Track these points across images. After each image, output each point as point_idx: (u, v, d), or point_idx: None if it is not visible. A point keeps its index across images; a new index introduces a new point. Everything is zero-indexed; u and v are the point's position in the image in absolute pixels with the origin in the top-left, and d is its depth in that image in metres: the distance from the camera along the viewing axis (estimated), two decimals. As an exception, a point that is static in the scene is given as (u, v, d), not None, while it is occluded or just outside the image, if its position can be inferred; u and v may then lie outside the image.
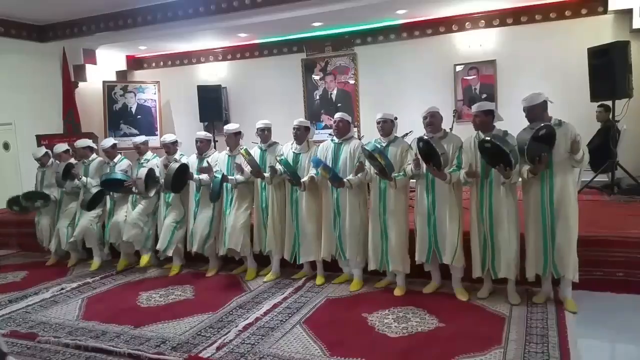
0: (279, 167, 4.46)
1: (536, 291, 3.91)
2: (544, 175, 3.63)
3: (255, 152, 4.76)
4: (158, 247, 5.16)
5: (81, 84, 9.10)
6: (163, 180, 4.96)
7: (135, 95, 9.46)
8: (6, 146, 8.29)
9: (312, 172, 4.41)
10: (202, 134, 5.19)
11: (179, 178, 4.88)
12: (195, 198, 5.05)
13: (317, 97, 9.02)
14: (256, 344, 3.37)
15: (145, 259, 5.24)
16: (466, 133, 4.02)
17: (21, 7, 7.50)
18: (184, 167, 4.90)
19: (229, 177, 4.77)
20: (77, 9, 7.73)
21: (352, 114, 8.39)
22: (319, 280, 4.58)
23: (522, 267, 3.82)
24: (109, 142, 5.64)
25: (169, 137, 5.28)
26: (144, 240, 5.24)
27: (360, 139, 5.70)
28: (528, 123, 3.71)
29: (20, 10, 7.72)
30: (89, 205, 5.32)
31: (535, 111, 3.64)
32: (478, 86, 7.91)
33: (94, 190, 5.27)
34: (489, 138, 3.59)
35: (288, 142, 4.76)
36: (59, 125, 8.62)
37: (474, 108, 3.89)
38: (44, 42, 8.58)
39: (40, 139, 7.88)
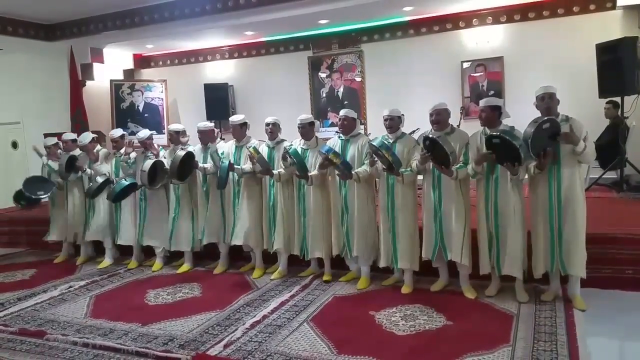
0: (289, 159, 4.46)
1: (544, 289, 3.89)
2: (552, 172, 3.61)
3: (264, 150, 4.76)
4: (169, 246, 5.28)
5: (89, 83, 9.15)
6: (169, 169, 4.96)
7: (142, 93, 9.49)
8: (15, 145, 8.36)
9: (314, 172, 4.36)
10: (202, 124, 5.09)
11: (185, 166, 4.87)
12: (203, 188, 5.06)
13: (324, 95, 9.01)
14: (263, 341, 3.37)
15: (158, 265, 5.34)
16: (473, 130, 4.00)
17: (29, 6, 7.55)
18: (190, 155, 4.89)
19: (236, 166, 4.77)
20: (85, 8, 7.77)
21: (358, 111, 8.37)
22: (326, 278, 4.58)
23: (530, 265, 3.80)
24: (117, 132, 5.64)
25: (173, 126, 5.32)
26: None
27: (367, 136, 5.70)
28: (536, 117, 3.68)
29: (27, 10, 7.77)
30: (94, 194, 5.34)
31: (554, 99, 3.60)
32: (485, 83, 7.86)
33: (100, 179, 5.28)
34: (497, 133, 3.56)
35: (295, 139, 4.76)
36: (66, 123, 8.66)
37: (481, 103, 3.86)
38: (51, 41, 8.64)
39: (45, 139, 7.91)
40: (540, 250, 3.71)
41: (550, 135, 3.46)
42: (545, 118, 3.48)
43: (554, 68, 7.22)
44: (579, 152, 3.49)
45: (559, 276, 3.76)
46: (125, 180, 5.16)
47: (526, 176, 3.73)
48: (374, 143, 4.02)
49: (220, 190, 4.98)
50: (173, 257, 5.47)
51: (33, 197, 5.70)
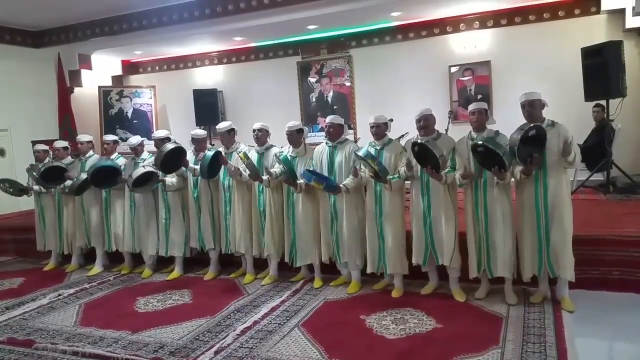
0: (278, 166, 4.46)
1: (533, 291, 3.93)
2: (538, 176, 3.65)
3: (253, 155, 4.77)
4: (160, 252, 5.25)
5: (77, 90, 9.11)
6: (154, 158, 4.89)
7: (131, 100, 9.46)
8: (2, 152, 8.28)
9: (302, 181, 4.37)
10: (199, 132, 5.13)
11: (173, 160, 4.81)
12: (194, 195, 5.05)
13: (313, 100, 9.04)
14: (254, 347, 3.37)
15: (148, 272, 5.31)
16: (462, 134, 4.04)
17: (16, 13, 7.51)
18: (180, 150, 4.84)
19: (230, 162, 4.72)
20: (72, 15, 7.74)
21: (348, 116, 8.43)
22: (317, 283, 4.58)
23: (519, 267, 3.84)
24: (110, 137, 5.65)
25: (158, 133, 5.30)
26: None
27: (356, 141, 5.72)
28: (522, 123, 3.73)
29: (15, 16, 7.72)
30: (78, 191, 5.33)
31: (535, 106, 3.65)
32: (473, 87, 7.94)
33: (83, 176, 5.26)
34: (481, 142, 3.60)
35: (285, 145, 4.76)
36: (54, 130, 8.61)
37: (472, 106, 3.91)
38: (39, 48, 8.59)
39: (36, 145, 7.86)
40: (528, 253, 3.75)
41: (538, 141, 3.50)
42: (532, 125, 3.52)
43: (540, 71, 7.32)
44: (569, 161, 3.54)
45: (548, 278, 3.80)
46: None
47: (513, 180, 3.77)
48: (359, 153, 4.03)
49: (211, 196, 4.99)
50: (162, 264, 5.44)
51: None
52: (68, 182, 5.44)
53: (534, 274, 3.77)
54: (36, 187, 5.74)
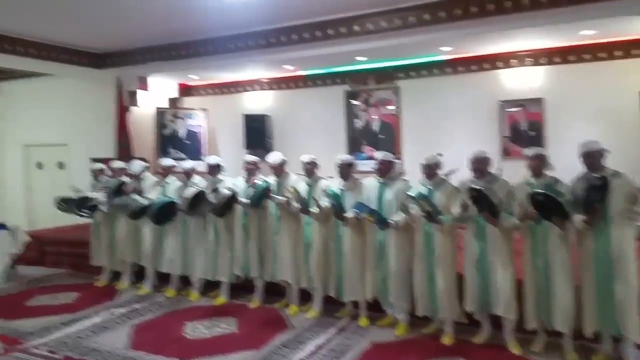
0: (325, 201, 4.49)
1: (595, 348, 3.72)
2: (601, 227, 3.53)
3: (302, 187, 4.82)
4: (207, 276, 5.36)
5: (134, 109, 9.48)
6: (212, 208, 5.13)
7: (184, 121, 9.78)
8: (61, 165, 8.72)
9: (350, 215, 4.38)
10: (252, 157, 5.26)
11: (225, 206, 5.09)
12: (243, 222, 5.15)
13: (359, 128, 9.09)
14: (303, 388, 3.37)
15: (195, 295, 5.42)
16: (514, 170, 3.99)
17: (82, 37, 7.96)
18: (233, 197, 5.06)
19: (272, 195, 4.86)
20: (133, 39, 8.13)
21: (393, 146, 8.41)
22: (363, 322, 4.53)
23: (580, 321, 3.67)
24: (167, 161, 5.89)
25: (212, 159, 5.49)
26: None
27: (403, 175, 5.70)
28: (577, 166, 3.65)
29: (81, 40, 8.18)
30: (134, 215, 5.54)
31: (594, 157, 3.58)
32: (525, 124, 7.79)
33: (141, 201, 5.48)
34: (540, 191, 3.54)
35: (331, 175, 4.79)
36: (111, 148, 8.96)
37: (532, 151, 3.86)
38: (101, 69, 9.03)
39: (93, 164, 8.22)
40: (589, 307, 3.60)
41: (601, 192, 3.42)
42: (597, 176, 3.44)
43: (596, 112, 7.09)
44: (637, 211, 3.45)
45: (611, 336, 3.62)
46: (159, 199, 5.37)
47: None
48: (411, 193, 4.03)
49: (258, 226, 5.07)
50: (208, 287, 5.51)
51: (77, 211, 5.98)
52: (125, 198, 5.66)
53: (596, 330, 3.61)
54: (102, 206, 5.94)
